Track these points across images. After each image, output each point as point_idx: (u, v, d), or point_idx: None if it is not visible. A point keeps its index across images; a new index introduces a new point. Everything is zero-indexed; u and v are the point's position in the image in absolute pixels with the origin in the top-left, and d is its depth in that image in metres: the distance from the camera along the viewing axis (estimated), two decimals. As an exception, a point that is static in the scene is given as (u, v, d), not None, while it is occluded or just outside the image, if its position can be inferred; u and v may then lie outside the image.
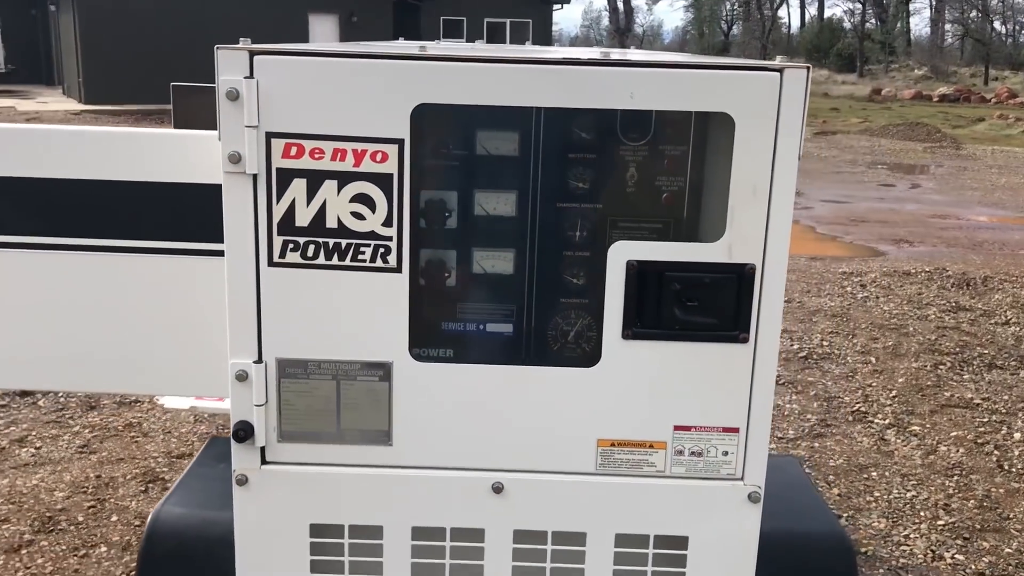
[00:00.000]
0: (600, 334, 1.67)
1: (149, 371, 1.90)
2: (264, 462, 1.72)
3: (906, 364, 6.26)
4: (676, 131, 1.73)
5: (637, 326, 1.65)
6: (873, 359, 6.36)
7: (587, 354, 1.73)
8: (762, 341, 1.66)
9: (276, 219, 1.63)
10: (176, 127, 3.36)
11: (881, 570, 3.74)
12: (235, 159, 1.59)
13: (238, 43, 1.59)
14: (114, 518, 3.99)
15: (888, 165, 18.93)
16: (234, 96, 1.57)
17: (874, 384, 5.90)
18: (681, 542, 1.75)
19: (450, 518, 1.75)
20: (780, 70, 1.55)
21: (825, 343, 6.69)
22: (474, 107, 1.64)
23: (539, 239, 1.74)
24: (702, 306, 1.65)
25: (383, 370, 1.68)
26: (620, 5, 41.76)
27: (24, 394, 5.38)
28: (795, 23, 69.32)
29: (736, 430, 1.69)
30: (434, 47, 1.80)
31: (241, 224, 1.63)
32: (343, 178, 1.61)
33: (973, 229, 11.86)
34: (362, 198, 1.62)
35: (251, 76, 1.57)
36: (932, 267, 8.98)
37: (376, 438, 1.71)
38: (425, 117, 1.60)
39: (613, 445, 1.72)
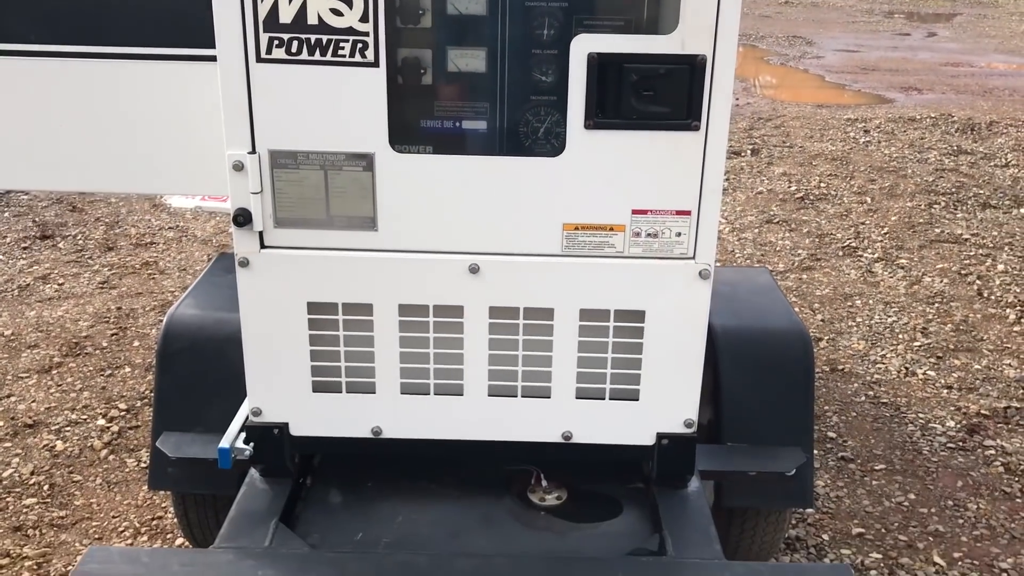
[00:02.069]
0: (565, 127, 1.81)
1: (156, 171, 2.06)
2: (263, 246, 1.90)
3: (901, 204, 6.39)
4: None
5: (598, 116, 1.79)
6: (869, 199, 6.48)
7: (554, 146, 1.87)
8: (712, 129, 1.79)
9: (262, 16, 1.75)
10: None
11: (856, 384, 3.99)
12: None
13: None
14: (136, 343, 4.26)
15: (905, 14, 18.44)
16: None
17: (867, 222, 6.04)
18: (639, 316, 1.93)
19: (432, 296, 1.94)
20: None
21: (823, 185, 6.80)
22: None
23: (509, 38, 1.86)
24: (657, 96, 1.77)
25: (366, 160, 1.84)
26: None
27: (44, 237, 5.60)
28: None
29: (688, 213, 1.85)
30: None
31: (230, 22, 1.75)
32: None
33: (985, 76, 11.71)
34: None
35: None
36: (938, 113, 8.96)
37: (362, 224, 1.88)
38: None
39: (577, 229, 1.88)
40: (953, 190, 6.64)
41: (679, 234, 1.87)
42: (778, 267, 5.29)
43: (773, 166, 7.27)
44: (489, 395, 2.00)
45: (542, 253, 1.91)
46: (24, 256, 5.34)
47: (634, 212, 1.87)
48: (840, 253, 5.51)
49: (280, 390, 2.00)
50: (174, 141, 2.04)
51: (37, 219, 5.91)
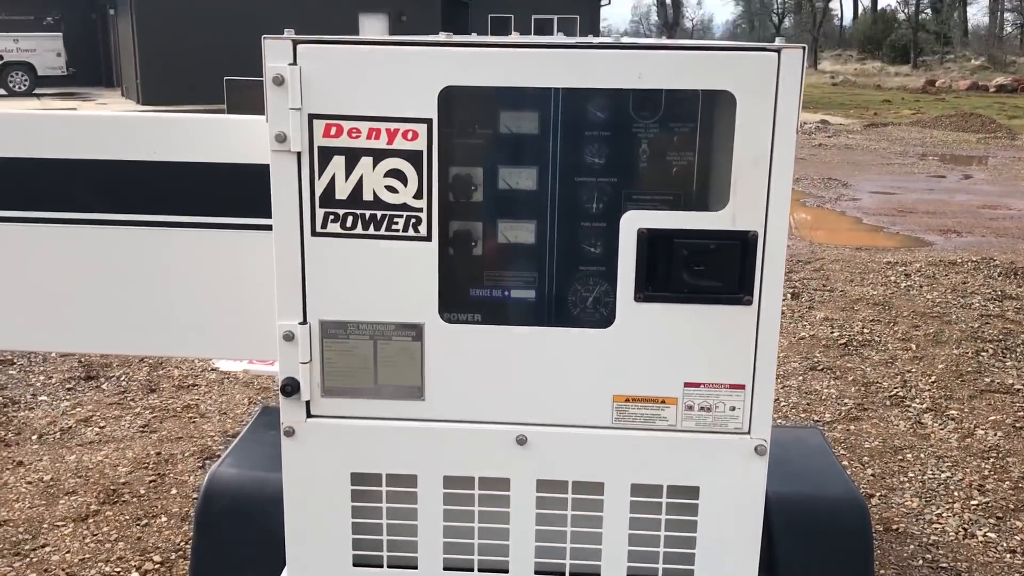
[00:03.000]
0: (614, 297, 1.81)
1: (207, 336, 2.08)
2: (309, 415, 1.89)
3: (947, 351, 6.28)
4: (684, 109, 1.86)
5: (648, 289, 1.79)
6: (913, 346, 6.38)
7: (603, 316, 1.87)
8: (765, 303, 1.78)
9: (318, 193, 1.79)
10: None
11: (912, 546, 3.82)
12: (281, 139, 1.76)
13: (279, 36, 1.76)
14: (173, 491, 4.22)
15: (940, 156, 18.67)
16: (279, 81, 1.74)
17: (913, 370, 5.93)
18: (692, 492, 1.88)
19: (478, 468, 1.90)
20: (778, 50, 1.67)
21: (866, 331, 6.73)
22: (496, 88, 1.79)
23: (559, 211, 1.89)
24: (708, 270, 1.78)
25: (415, 331, 1.84)
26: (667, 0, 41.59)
27: (88, 378, 5.66)
28: (847, 15, 68.37)
29: (742, 387, 1.82)
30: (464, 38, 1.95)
31: (287, 198, 1.80)
32: (378, 155, 1.77)
33: (1024, 219, 11.70)
34: (395, 173, 1.78)
35: (294, 63, 1.74)
36: (979, 257, 8.91)
37: (410, 393, 1.87)
38: (451, 98, 1.75)
39: (628, 400, 1.85)
40: (1000, 337, 6.53)
41: (733, 408, 1.83)
42: (824, 417, 5.17)
43: (814, 310, 7.23)
44: (535, 572, 1.93)
45: (592, 425, 1.87)
46: (68, 397, 5.39)
47: (686, 385, 1.84)
48: (887, 403, 5.39)
49: (320, 563, 1.95)
50: (225, 306, 2.07)
51: (82, 360, 5.99)
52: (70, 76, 28.73)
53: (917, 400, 5.43)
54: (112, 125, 2.05)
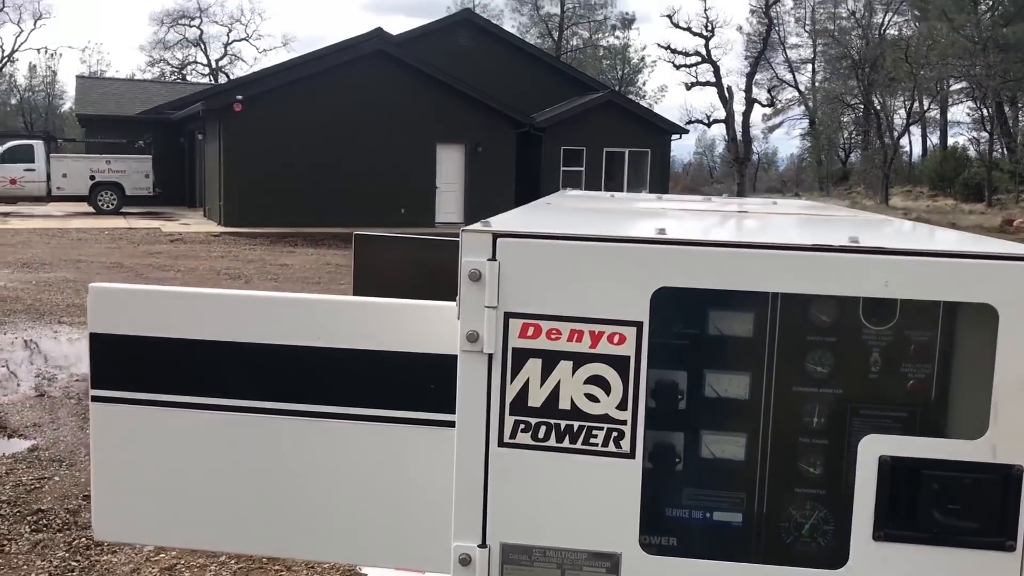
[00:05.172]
0: (846, 532, 1.56)
1: (360, 540, 1.87)
2: (482, 649, 1.65)
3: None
4: (924, 316, 1.64)
5: (891, 527, 1.54)
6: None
7: (827, 552, 1.61)
8: None
9: (509, 399, 1.60)
10: (356, 274, 3.45)
11: None
12: (473, 338, 1.58)
13: (478, 228, 1.60)
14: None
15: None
16: (476, 277, 1.57)
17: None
18: None
19: None
20: (1053, 260, 1.46)
21: None
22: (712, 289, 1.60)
23: (773, 424, 1.66)
24: (963, 509, 1.52)
25: (611, 561, 1.60)
26: (739, 135, 42.11)
27: None
28: (916, 150, 68.40)
29: None
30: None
31: (474, 403, 1.60)
32: (579, 359, 1.58)
33: None
34: (597, 380, 1.58)
35: (493, 258, 1.57)
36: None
37: (601, 635, 1.62)
38: (664, 299, 1.57)
39: None
40: None
41: (991, 672, 1.54)
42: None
43: None
44: None
45: None
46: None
47: (935, 643, 1.55)
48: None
49: None
50: (384, 509, 1.86)
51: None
52: (156, 196, 29.85)
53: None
54: (271, 306, 1.91)
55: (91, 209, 29.17)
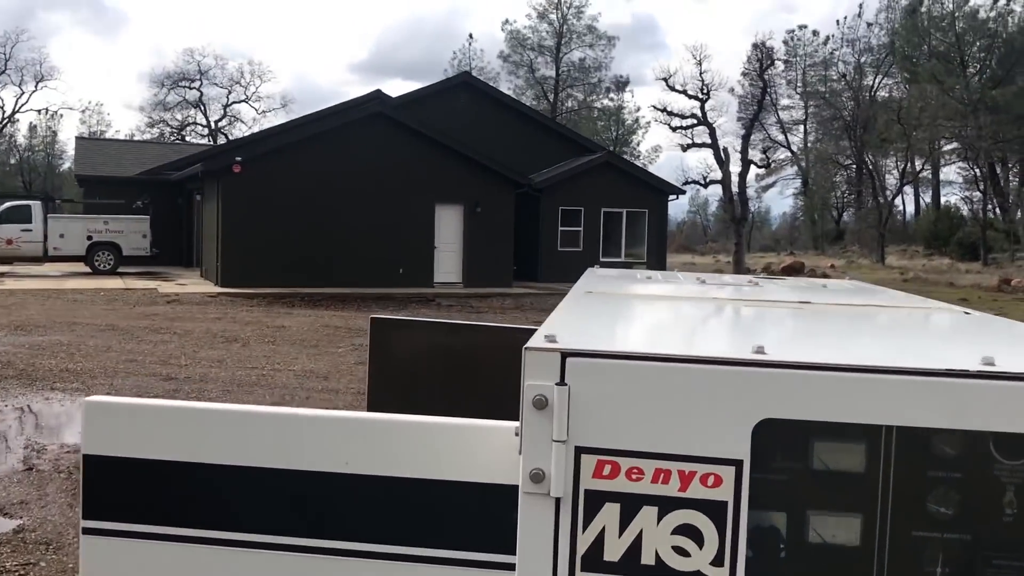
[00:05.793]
0: None
1: None
2: None
3: None
4: (1068, 449, 1.40)
5: None
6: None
7: None
8: None
9: (580, 551, 1.35)
10: (371, 358, 3.20)
11: None
12: (538, 478, 1.33)
13: (543, 344, 1.36)
14: None
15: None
16: (542, 405, 1.33)
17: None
18: None
19: None
20: None
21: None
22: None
23: (889, 574, 1.41)
24: None
25: None
26: (735, 195, 42.25)
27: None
28: (909, 209, 68.78)
29: None
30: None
31: (538, 554, 1.35)
32: (665, 504, 1.33)
33: None
34: (687, 529, 1.33)
35: (563, 383, 1.33)
36: None
37: None
38: (767, 433, 1.32)
39: None
40: None
41: None
42: None
43: None
44: None
45: None
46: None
47: None
48: None
49: None
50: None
51: None
52: (153, 256, 29.69)
53: None
54: (284, 425, 1.66)
55: (88, 269, 28.98)
